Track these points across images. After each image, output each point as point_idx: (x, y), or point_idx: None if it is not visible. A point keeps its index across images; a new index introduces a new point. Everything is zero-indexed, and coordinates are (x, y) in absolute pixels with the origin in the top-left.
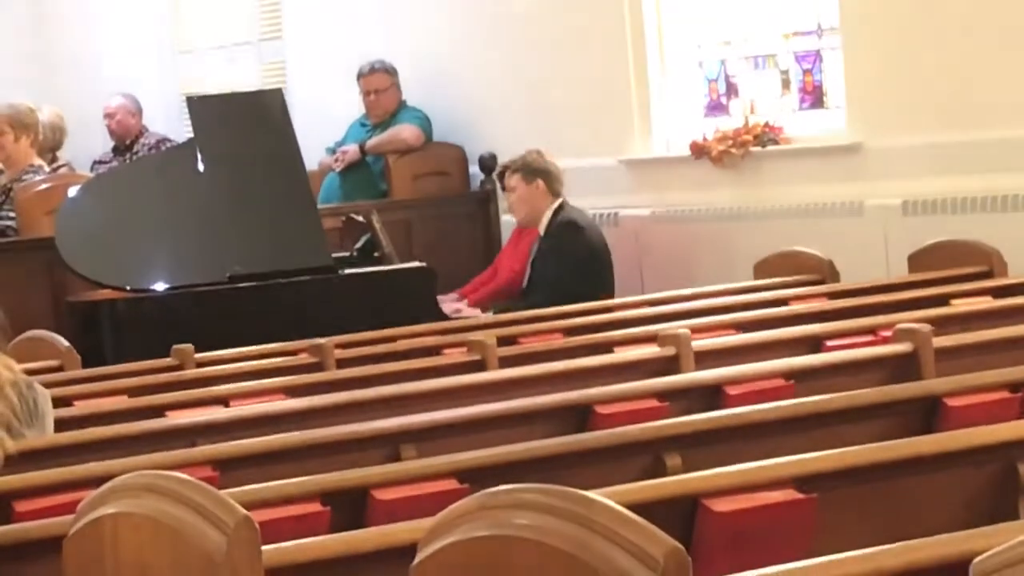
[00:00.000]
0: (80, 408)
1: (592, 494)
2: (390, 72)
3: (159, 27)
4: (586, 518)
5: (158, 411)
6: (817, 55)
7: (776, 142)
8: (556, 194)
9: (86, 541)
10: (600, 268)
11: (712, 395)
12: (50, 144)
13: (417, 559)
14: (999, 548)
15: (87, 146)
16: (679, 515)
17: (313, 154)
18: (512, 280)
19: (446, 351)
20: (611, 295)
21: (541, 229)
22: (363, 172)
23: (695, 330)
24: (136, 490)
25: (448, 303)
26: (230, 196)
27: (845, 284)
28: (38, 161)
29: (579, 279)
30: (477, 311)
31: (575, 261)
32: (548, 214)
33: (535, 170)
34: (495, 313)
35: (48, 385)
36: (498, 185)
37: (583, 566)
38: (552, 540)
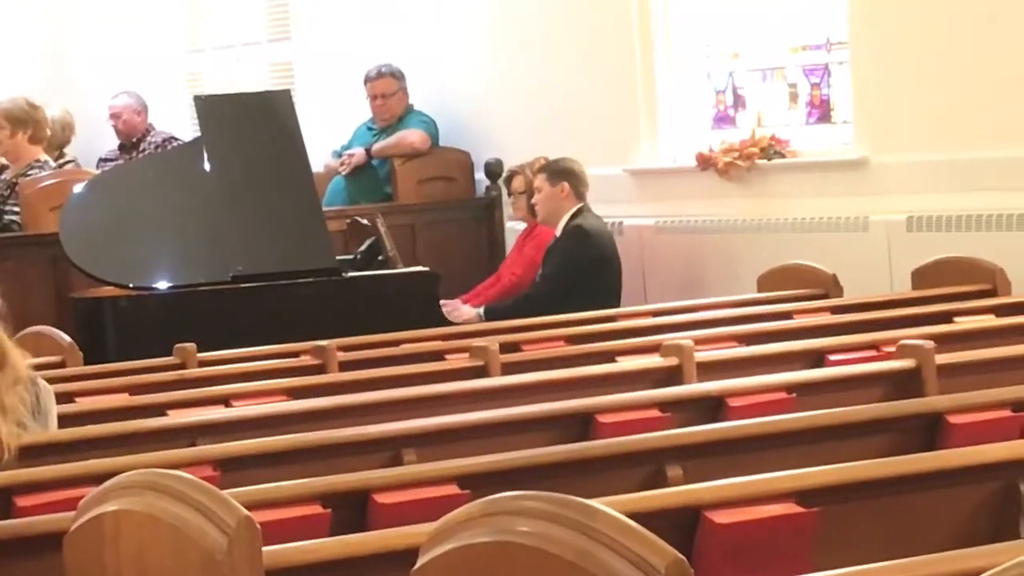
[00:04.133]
0: (82, 405)
1: (595, 503)
2: (397, 76)
3: (169, 26)
4: (588, 527)
5: (160, 409)
6: (825, 69)
7: (782, 155)
8: (580, 197)
9: (87, 537)
10: (601, 278)
11: (714, 407)
12: (58, 141)
13: (419, 563)
14: (1003, 567)
15: (96, 143)
16: (680, 526)
17: (319, 156)
18: (515, 284)
19: (449, 356)
20: (614, 306)
21: (558, 231)
22: (369, 175)
23: (698, 341)
24: (138, 488)
25: (448, 305)
26: (235, 196)
27: (848, 299)
28: (43, 157)
29: (576, 284)
30: (472, 310)
31: (575, 266)
32: (566, 217)
33: (561, 171)
34: (484, 312)
35: (50, 381)
36: (503, 190)
37: (585, 575)
38: (554, 548)
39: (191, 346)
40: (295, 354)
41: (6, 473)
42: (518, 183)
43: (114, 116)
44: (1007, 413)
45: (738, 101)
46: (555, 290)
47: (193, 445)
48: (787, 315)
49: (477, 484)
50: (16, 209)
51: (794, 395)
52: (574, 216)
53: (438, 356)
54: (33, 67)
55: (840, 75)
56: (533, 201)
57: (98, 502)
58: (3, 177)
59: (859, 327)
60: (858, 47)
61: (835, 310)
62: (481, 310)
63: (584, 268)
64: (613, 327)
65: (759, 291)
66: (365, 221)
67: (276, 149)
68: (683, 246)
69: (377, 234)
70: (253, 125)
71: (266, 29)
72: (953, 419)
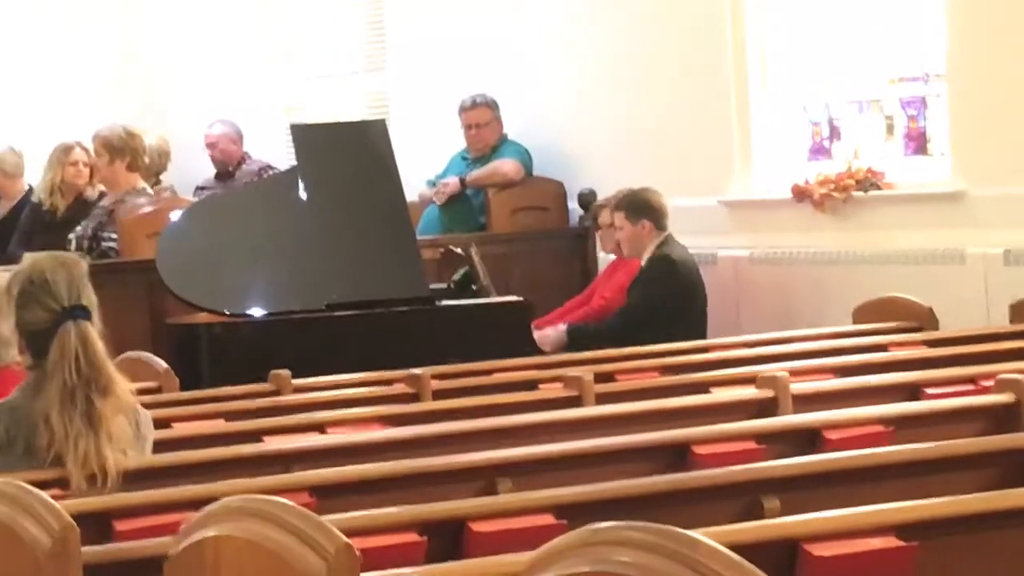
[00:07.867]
0: (178, 430)
1: (696, 534)
2: (492, 106)
3: (266, 56)
4: (690, 558)
5: (255, 436)
6: (922, 101)
7: (878, 187)
8: (662, 228)
9: (188, 562)
10: (686, 308)
11: (810, 439)
12: (155, 168)
13: None
14: None
15: (192, 171)
16: (778, 558)
17: (414, 185)
18: (603, 308)
19: (542, 386)
20: (700, 336)
21: (643, 260)
22: (463, 205)
23: (793, 373)
24: (238, 513)
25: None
26: (331, 224)
27: (945, 332)
28: (141, 184)
29: (661, 313)
30: (554, 330)
31: (660, 295)
32: (652, 247)
33: (640, 208)
34: (567, 330)
35: (147, 406)
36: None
37: None
38: None
39: (286, 373)
40: (389, 382)
41: (105, 497)
42: (605, 217)
43: (211, 145)
44: None
45: (834, 132)
46: (637, 320)
47: (288, 471)
48: (882, 348)
49: (574, 514)
50: (114, 236)
51: (891, 428)
52: (659, 247)
53: (532, 385)
54: (131, 95)
55: (937, 107)
56: (616, 238)
57: (199, 527)
58: (101, 204)
59: (956, 360)
60: (956, 79)
61: (931, 343)
62: (564, 327)
63: (669, 298)
64: (707, 358)
65: (855, 323)
66: (459, 250)
67: (371, 178)
68: (777, 278)
69: (471, 263)
70: (348, 154)
71: (363, 59)
72: None
